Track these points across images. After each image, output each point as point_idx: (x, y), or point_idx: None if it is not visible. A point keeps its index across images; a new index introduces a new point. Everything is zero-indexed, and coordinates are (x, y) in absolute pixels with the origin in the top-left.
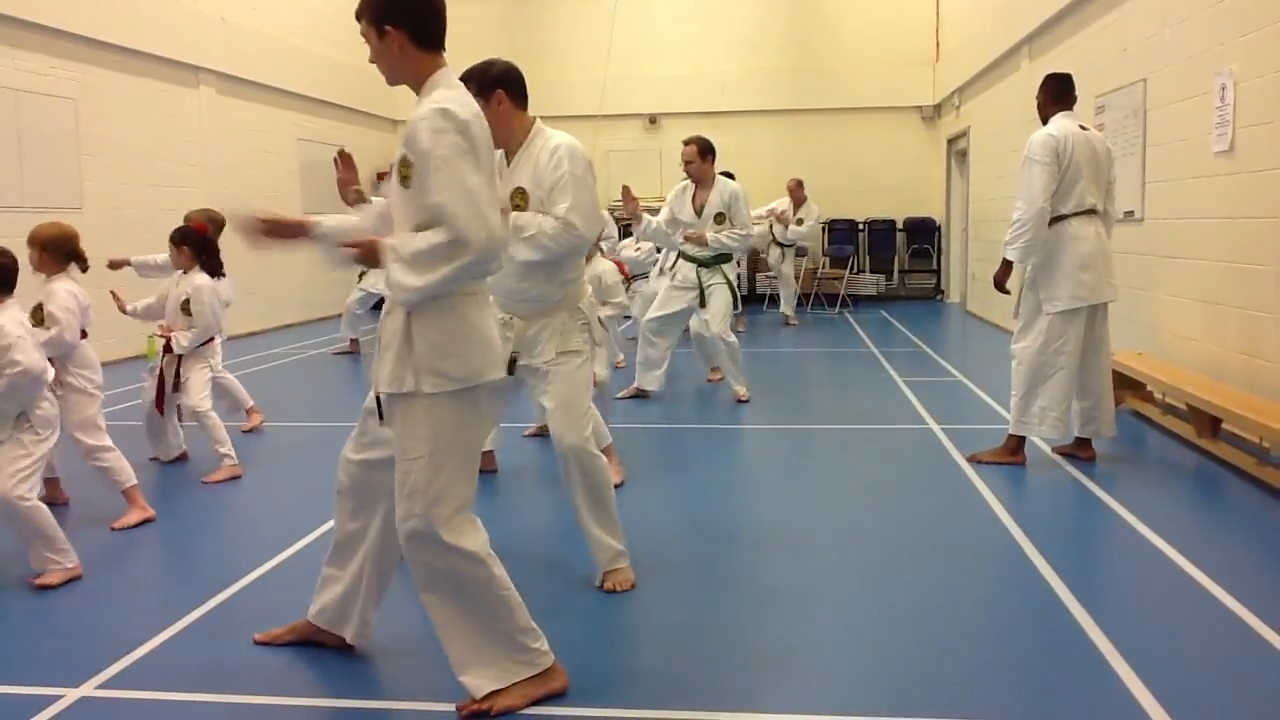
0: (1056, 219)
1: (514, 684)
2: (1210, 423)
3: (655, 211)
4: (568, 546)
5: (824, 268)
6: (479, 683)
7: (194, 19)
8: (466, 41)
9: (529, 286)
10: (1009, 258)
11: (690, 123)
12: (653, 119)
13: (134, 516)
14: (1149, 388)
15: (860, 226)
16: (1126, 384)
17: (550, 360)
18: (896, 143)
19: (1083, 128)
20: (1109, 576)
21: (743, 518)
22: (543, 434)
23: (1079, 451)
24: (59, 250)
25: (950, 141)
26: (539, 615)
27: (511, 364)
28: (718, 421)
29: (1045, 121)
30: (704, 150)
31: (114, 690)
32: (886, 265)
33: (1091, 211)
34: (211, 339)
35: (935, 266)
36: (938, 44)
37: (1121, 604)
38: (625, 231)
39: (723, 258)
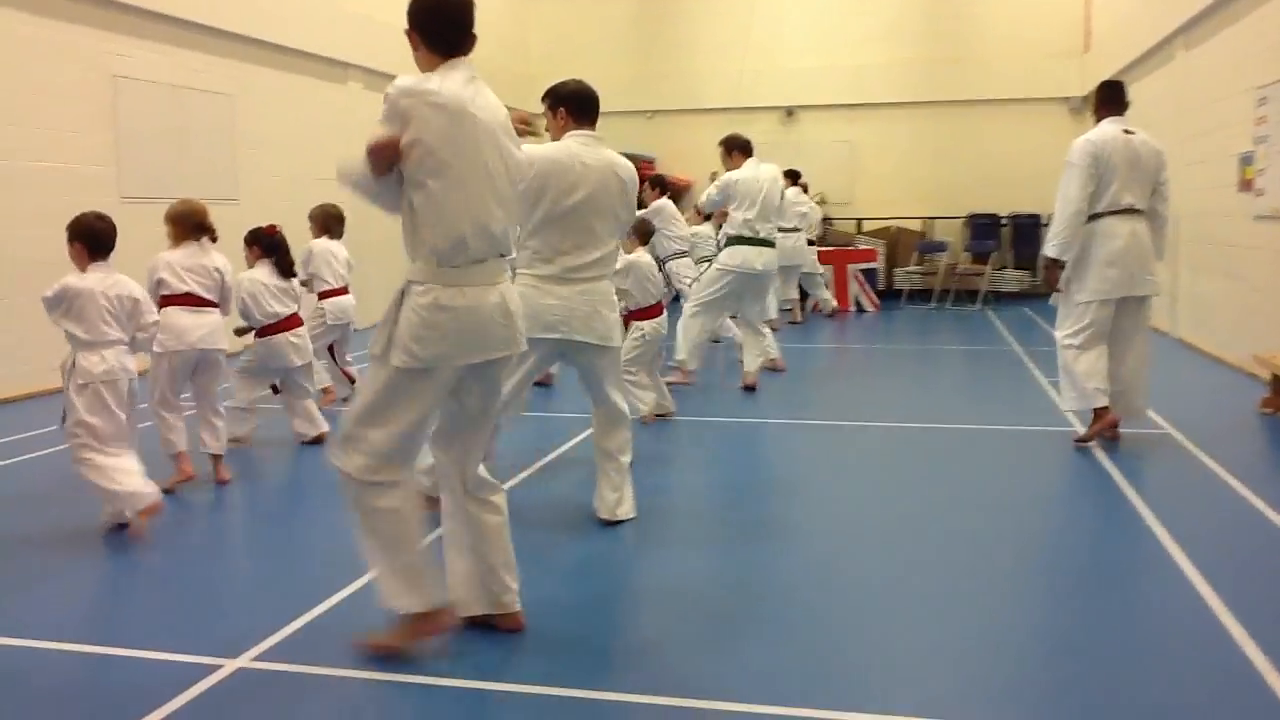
0: (1092, 217)
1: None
2: None
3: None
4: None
5: (964, 263)
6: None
7: (342, 17)
8: (602, 36)
9: None
10: (1048, 254)
11: (826, 115)
12: (789, 111)
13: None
14: None
15: (1003, 221)
16: None
17: None
18: (1041, 136)
19: (1128, 132)
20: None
21: (868, 518)
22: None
23: (1103, 426)
24: (184, 224)
25: None
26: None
27: None
28: (843, 418)
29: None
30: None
31: (271, 663)
32: (1031, 261)
33: (1128, 211)
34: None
35: None
36: (1087, 33)
37: None
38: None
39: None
